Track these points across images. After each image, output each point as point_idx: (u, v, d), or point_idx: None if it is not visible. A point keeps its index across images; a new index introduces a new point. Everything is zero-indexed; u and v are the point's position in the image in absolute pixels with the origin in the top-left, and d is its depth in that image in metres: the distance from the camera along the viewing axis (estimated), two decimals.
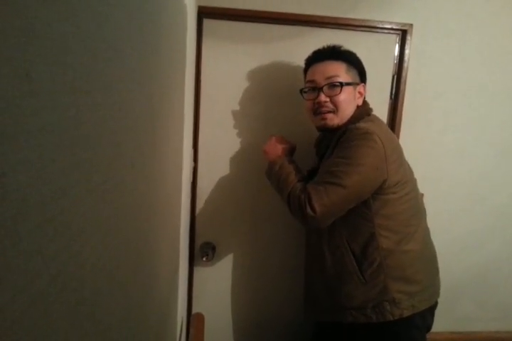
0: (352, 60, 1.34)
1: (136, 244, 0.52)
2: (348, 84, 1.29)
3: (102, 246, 0.35)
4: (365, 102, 1.37)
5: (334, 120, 1.30)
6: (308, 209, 1.12)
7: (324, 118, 1.31)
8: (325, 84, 1.30)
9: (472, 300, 1.84)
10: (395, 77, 1.63)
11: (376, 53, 1.60)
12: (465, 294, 1.82)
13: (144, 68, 0.53)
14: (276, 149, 1.38)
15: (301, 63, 1.44)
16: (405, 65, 1.61)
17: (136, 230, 0.51)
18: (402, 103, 1.63)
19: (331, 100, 1.29)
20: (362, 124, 1.24)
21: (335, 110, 1.30)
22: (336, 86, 1.29)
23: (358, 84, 1.34)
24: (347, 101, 1.29)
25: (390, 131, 1.34)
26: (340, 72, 1.30)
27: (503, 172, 1.77)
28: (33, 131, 0.21)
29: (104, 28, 0.34)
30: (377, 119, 1.33)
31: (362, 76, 1.37)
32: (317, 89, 1.32)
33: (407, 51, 1.60)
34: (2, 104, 0.19)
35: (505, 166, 1.76)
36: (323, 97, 1.29)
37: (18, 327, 0.21)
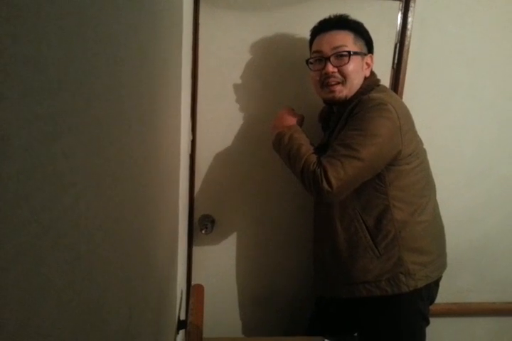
0: (359, 30, 1.30)
1: (134, 207, 0.50)
2: (355, 53, 1.26)
3: (97, 203, 0.33)
4: (372, 73, 1.34)
5: (343, 91, 1.27)
6: (325, 184, 1.10)
7: (333, 91, 1.27)
8: (332, 54, 1.26)
9: (471, 273, 1.85)
10: (398, 45, 1.58)
11: (378, 21, 1.55)
12: (465, 267, 1.83)
13: (138, 27, 0.50)
14: (283, 120, 1.34)
15: (302, 32, 1.40)
16: (408, 33, 1.56)
17: (134, 193, 0.49)
18: (405, 73, 1.59)
19: (339, 70, 1.26)
20: (375, 94, 1.21)
21: (343, 81, 1.26)
22: (344, 55, 1.25)
23: (365, 54, 1.30)
24: (355, 72, 1.26)
25: (401, 100, 1.32)
26: (348, 41, 1.26)
27: (506, 145, 1.74)
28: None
29: None
30: (387, 89, 1.31)
31: (369, 46, 1.34)
32: (324, 59, 1.28)
33: (410, 19, 1.55)
34: None
35: (509, 139, 1.74)
36: (330, 67, 1.26)
37: (3, 279, 0.20)
